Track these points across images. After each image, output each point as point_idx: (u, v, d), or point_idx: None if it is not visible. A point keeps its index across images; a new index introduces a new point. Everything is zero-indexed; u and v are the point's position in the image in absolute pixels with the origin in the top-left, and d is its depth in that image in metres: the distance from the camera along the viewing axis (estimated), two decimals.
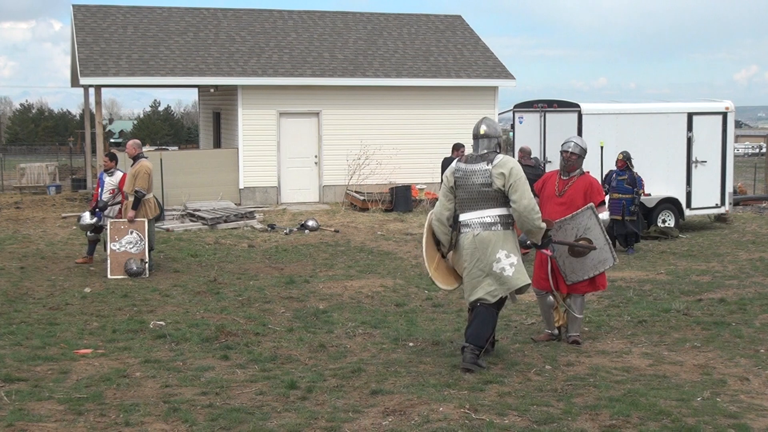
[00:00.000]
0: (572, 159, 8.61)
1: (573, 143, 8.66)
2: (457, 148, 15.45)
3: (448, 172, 7.73)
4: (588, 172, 8.83)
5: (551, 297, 8.54)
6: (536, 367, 7.57)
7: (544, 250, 8.13)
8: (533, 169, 14.03)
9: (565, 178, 8.64)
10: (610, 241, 8.53)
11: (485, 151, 7.63)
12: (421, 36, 25.13)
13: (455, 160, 7.84)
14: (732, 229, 18.47)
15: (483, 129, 7.66)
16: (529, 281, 7.68)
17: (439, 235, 7.78)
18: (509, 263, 7.49)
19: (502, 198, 7.50)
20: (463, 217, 7.63)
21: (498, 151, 7.65)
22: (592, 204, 8.37)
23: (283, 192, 22.10)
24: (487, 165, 7.50)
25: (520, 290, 7.71)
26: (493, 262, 7.49)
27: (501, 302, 7.74)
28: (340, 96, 22.44)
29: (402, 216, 19.94)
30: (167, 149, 25.59)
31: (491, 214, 7.54)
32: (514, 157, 15.66)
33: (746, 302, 10.63)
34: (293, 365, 7.69)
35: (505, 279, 7.51)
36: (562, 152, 8.66)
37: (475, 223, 7.56)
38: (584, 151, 8.66)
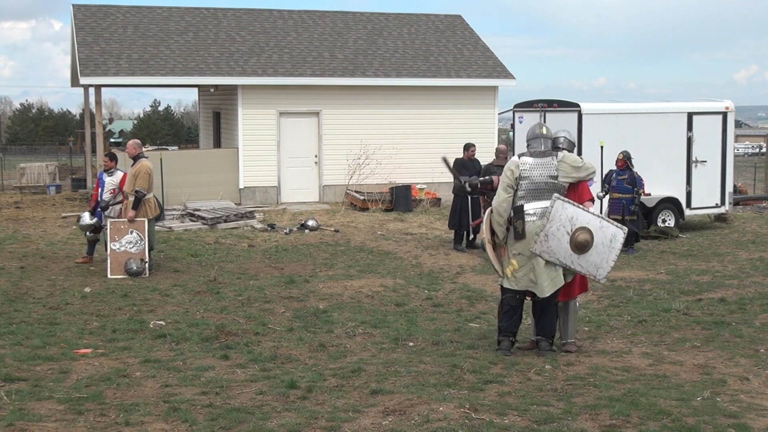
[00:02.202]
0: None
1: (562, 137, 8.53)
2: (468, 148, 15.43)
3: (512, 165, 8.17)
4: None
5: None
6: (536, 367, 7.57)
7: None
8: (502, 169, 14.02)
9: None
10: (603, 216, 8.33)
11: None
12: (421, 36, 25.12)
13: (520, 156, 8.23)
14: (732, 229, 18.47)
15: (545, 130, 8.34)
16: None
17: (495, 226, 8.15)
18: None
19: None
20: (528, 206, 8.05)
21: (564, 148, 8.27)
22: (555, 195, 7.96)
23: (283, 192, 22.09)
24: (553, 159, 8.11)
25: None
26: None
27: None
28: (340, 96, 22.43)
29: (402, 216, 19.94)
30: (167, 149, 25.59)
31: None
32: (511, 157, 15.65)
33: (746, 302, 10.63)
34: (293, 365, 7.70)
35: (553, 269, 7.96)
36: None
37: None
38: (572, 144, 8.52)
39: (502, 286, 8.16)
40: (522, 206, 7.99)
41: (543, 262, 7.87)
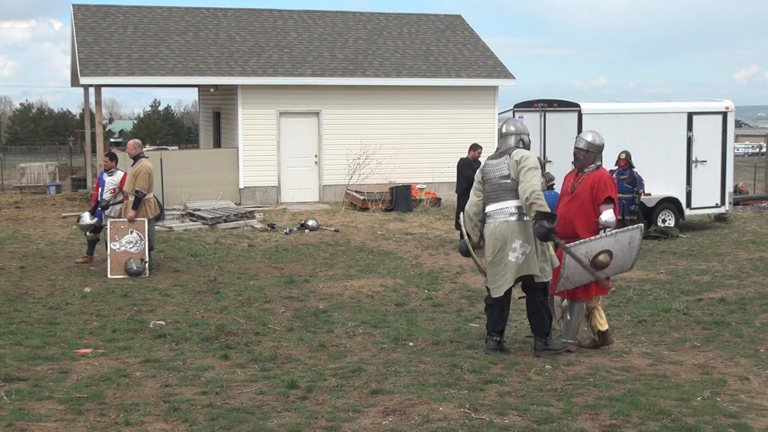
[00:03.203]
0: (579, 155, 8.38)
1: (580, 138, 8.45)
2: (474, 148, 15.45)
3: (479, 169, 8.20)
4: (602, 168, 8.45)
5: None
6: (536, 367, 7.57)
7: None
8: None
9: (580, 174, 8.41)
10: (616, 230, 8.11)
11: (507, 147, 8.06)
12: (421, 36, 25.12)
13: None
14: (732, 229, 18.47)
15: (506, 128, 8.14)
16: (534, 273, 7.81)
17: (468, 229, 8.14)
18: (522, 252, 7.77)
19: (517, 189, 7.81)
20: (488, 209, 8.01)
21: (521, 146, 8.01)
22: (565, 246, 7.83)
23: (283, 192, 22.09)
24: (507, 158, 7.93)
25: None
26: (510, 252, 7.79)
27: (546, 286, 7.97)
28: (340, 96, 22.44)
29: (402, 216, 19.94)
30: (167, 149, 25.61)
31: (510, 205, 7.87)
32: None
33: (746, 302, 10.63)
34: (293, 365, 7.69)
35: (521, 266, 7.80)
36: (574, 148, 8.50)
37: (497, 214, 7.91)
38: (592, 145, 8.31)
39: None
40: (484, 209, 8.05)
41: (509, 263, 7.79)
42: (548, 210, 7.60)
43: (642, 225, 8.19)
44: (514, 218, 7.80)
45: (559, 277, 8.06)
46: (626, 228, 8.21)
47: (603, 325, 8.33)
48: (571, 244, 7.90)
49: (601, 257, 7.98)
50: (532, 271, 7.79)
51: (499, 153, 8.07)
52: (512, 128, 8.11)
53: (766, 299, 10.80)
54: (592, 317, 8.37)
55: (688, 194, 17.90)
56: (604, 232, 8.08)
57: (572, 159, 8.48)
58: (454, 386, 6.92)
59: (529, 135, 8.20)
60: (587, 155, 8.34)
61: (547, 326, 8.02)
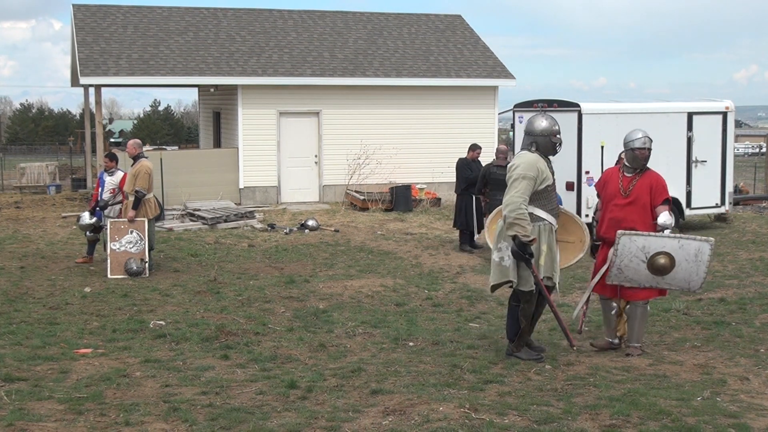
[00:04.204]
0: (647, 155, 8.04)
1: (646, 138, 8.04)
2: (474, 149, 15.44)
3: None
4: (650, 169, 8.16)
5: (614, 303, 8.22)
6: (536, 367, 7.57)
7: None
8: (503, 169, 14.05)
9: (629, 175, 8.10)
10: (684, 235, 7.84)
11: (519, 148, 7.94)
12: (421, 36, 25.12)
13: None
14: (732, 229, 18.47)
15: (525, 127, 7.91)
16: (512, 280, 7.62)
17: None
18: (503, 255, 7.65)
19: None
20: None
21: (532, 149, 7.74)
22: (619, 231, 7.69)
23: (283, 192, 22.09)
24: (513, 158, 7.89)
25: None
26: (495, 251, 7.74)
27: (525, 295, 7.71)
28: (340, 96, 22.43)
29: (402, 216, 19.94)
30: (165, 149, 25.63)
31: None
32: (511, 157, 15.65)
33: (746, 302, 10.63)
34: (293, 365, 7.70)
35: (503, 269, 7.68)
36: (633, 149, 8.08)
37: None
38: (651, 143, 8.11)
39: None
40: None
41: (492, 260, 7.77)
42: (525, 231, 7.40)
43: (713, 240, 7.72)
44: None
45: (610, 267, 7.85)
46: (694, 237, 7.76)
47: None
48: (629, 233, 7.67)
49: (661, 260, 7.66)
50: (507, 276, 7.64)
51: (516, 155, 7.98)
52: (527, 127, 7.86)
53: (766, 299, 10.80)
54: (621, 320, 8.23)
55: (688, 194, 17.89)
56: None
57: (625, 161, 8.12)
58: (454, 386, 6.92)
59: (550, 135, 7.74)
60: (649, 154, 8.11)
61: (512, 332, 7.85)
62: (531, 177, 7.54)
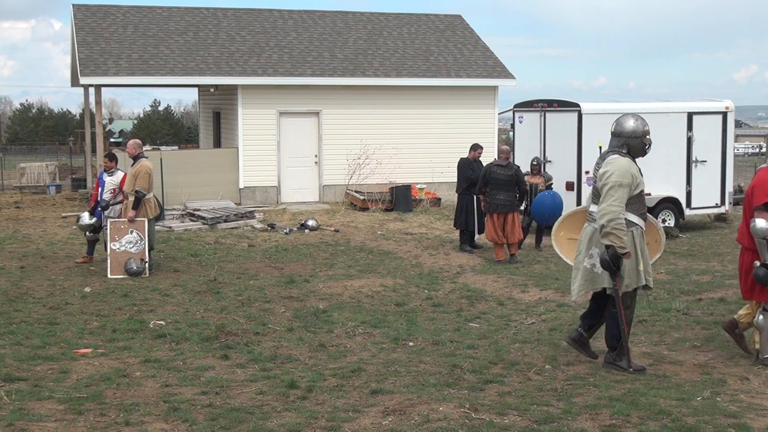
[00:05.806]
0: None
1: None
2: (475, 148, 15.43)
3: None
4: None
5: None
6: (536, 367, 7.57)
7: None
8: (504, 169, 14.05)
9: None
10: None
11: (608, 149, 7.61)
12: (421, 36, 25.12)
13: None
14: (732, 229, 18.45)
15: (612, 127, 7.57)
16: (634, 285, 7.41)
17: None
18: (594, 263, 7.50)
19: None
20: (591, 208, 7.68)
21: (623, 152, 7.44)
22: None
23: (283, 192, 22.09)
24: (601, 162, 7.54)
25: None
26: (586, 258, 7.55)
27: (626, 299, 7.54)
28: (340, 96, 22.44)
29: (402, 216, 19.94)
30: (159, 149, 25.65)
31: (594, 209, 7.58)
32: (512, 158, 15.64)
33: (746, 302, 10.60)
34: (293, 365, 7.70)
35: (595, 276, 7.53)
36: None
37: (591, 216, 7.62)
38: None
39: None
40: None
41: (582, 267, 7.60)
42: (622, 243, 7.14)
43: None
44: (596, 224, 7.42)
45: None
46: None
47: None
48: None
49: None
50: (601, 284, 7.49)
51: (603, 153, 7.63)
52: (616, 128, 7.51)
53: None
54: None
55: (688, 194, 17.89)
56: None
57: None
58: (454, 386, 6.92)
59: (641, 136, 7.41)
60: None
61: (613, 339, 7.59)
62: (626, 184, 7.27)
